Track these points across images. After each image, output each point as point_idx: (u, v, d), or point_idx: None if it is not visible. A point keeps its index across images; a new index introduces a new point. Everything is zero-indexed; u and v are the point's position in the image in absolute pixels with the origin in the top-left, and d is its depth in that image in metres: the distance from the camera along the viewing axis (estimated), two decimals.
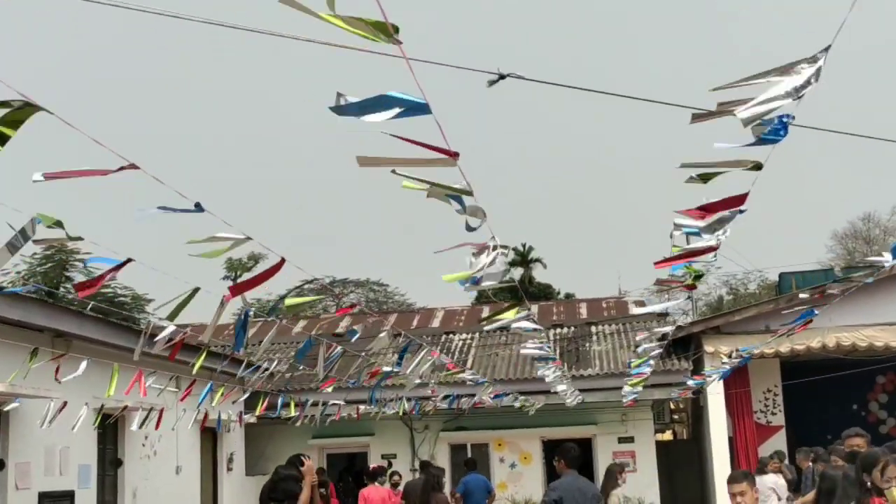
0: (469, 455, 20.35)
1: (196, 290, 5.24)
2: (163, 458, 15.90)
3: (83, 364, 9.39)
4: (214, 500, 18.43)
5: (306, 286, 39.55)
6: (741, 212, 3.86)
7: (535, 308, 18.99)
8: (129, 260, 4.60)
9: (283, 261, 4.90)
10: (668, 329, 10.33)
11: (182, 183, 4.24)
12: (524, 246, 49.50)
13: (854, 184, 65.20)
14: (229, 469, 18.79)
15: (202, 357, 9.31)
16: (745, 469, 8.23)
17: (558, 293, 47.91)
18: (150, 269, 5.34)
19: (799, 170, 57.93)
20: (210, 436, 18.16)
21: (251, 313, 7.38)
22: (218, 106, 75.71)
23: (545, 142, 76.55)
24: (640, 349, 10.42)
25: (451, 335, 23.94)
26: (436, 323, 25.52)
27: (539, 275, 49.88)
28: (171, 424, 15.04)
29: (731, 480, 6.63)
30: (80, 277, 36.55)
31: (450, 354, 21.85)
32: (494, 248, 4.89)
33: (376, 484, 15.47)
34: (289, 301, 5.77)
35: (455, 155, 3.47)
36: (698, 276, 5.47)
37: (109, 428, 14.15)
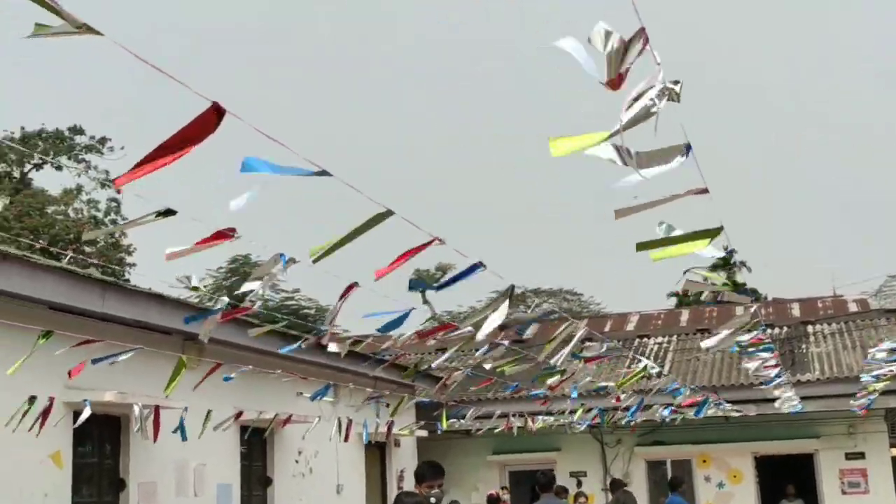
0: (669, 473, 18.02)
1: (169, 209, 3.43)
2: (320, 475, 14.33)
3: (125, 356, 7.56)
4: None
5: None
6: None
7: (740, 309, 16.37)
8: None
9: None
10: None
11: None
12: (726, 248, 46.09)
13: None
14: (400, 488, 17.06)
15: (265, 328, 7.70)
16: None
17: (765, 297, 44.40)
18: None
19: None
20: (377, 451, 16.55)
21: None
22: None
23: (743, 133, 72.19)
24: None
25: (645, 339, 21.59)
26: (630, 327, 23.19)
27: (744, 279, 46.37)
28: (326, 437, 13.46)
29: None
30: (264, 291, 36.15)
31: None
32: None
33: None
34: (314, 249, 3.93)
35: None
36: None
37: (257, 443, 12.70)
